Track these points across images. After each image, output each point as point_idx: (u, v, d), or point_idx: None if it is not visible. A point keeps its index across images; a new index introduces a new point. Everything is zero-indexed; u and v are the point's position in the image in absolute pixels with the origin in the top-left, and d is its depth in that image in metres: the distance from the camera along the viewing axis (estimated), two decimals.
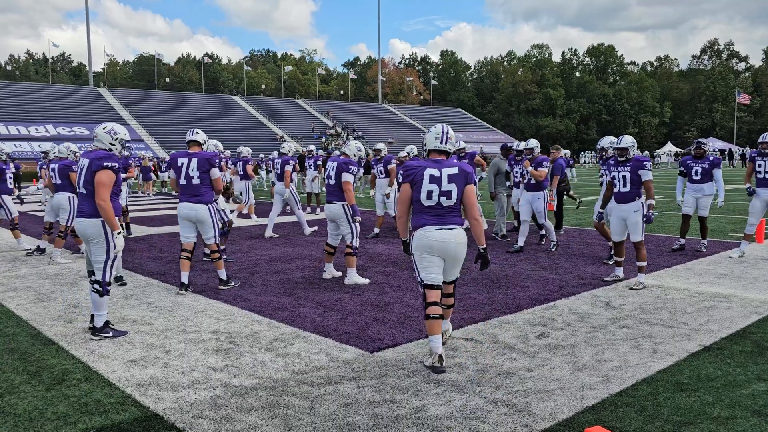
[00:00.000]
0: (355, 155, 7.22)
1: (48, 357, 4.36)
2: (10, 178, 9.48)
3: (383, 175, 11.13)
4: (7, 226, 9.80)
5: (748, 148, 54.27)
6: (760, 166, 7.95)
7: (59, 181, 8.45)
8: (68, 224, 8.46)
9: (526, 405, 3.43)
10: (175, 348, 4.54)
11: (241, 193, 12.84)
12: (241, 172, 12.88)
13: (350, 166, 6.78)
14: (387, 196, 10.78)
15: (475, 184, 4.21)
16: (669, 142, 69.64)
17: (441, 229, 4.10)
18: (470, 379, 3.83)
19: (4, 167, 9.29)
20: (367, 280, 6.74)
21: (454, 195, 4.09)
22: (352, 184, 6.77)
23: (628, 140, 6.50)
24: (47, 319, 5.39)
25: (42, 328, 5.11)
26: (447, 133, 4.25)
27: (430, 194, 4.10)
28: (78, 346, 4.61)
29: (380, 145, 11.70)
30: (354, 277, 6.69)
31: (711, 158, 8.53)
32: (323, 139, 57.10)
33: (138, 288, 6.65)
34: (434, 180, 4.09)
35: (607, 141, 8.36)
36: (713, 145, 54.67)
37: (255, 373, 3.98)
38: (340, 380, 3.84)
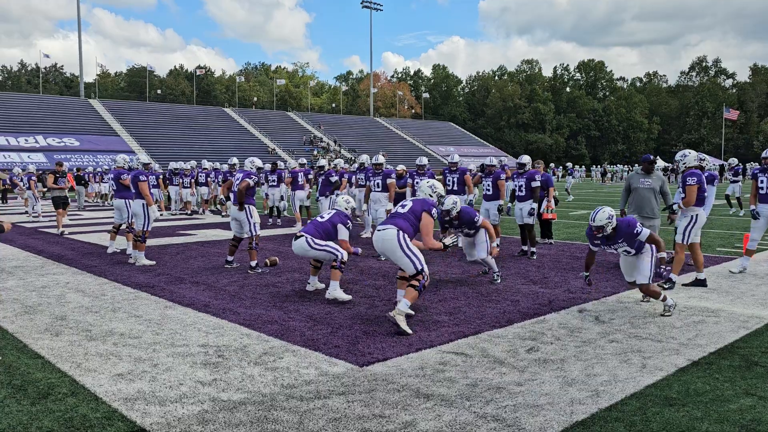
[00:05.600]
0: (346, 209, 7.03)
1: (34, 371, 4.31)
2: (154, 185, 10.52)
3: (379, 189, 10.83)
4: (132, 232, 9.63)
5: (747, 164, 54.73)
6: (762, 182, 7.89)
7: (134, 190, 9.43)
8: (144, 228, 9.27)
9: (516, 420, 3.42)
10: (163, 362, 4.50)
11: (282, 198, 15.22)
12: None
13: (347, 220, 6.89)
14: (387, 212, 10.29)
15: (430, 213, 5.52)
16: (658, 157, 70.37)
17: (378, 230, 5.48)
18: (460, 394, 3.82)
19: (141, 176, 9.32)
20: (349, 297, 6.47)
21: (408, 207, 5.54)
22: (347, 240, 6.86)
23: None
24: (33, 332, 5.33)
25: (28, 341, 5.05)
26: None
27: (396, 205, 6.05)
28: (64, 359, 4.55)
29: (381, 158, 11.37)
30: (335, 292, 6.43)
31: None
32: (315, 152, 57.17)
33: (126, 301, 6.59)
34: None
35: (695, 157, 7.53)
36: (711, 161, 55.24)
37: (243, 388, 3.96)
38: (329, 395, 3.82)
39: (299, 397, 3.79)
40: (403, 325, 5.11)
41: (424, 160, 11.78)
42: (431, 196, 5.69)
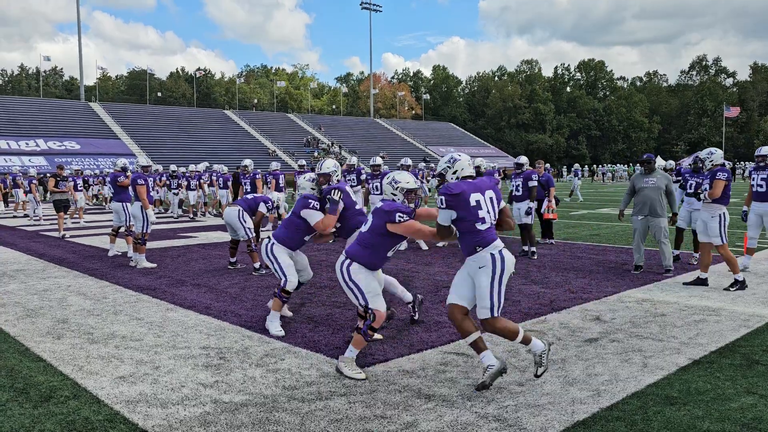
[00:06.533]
0: (312, 189, 5.75)
1: (35, 374, 4.32)
2: (152, 189, 10.91)
3: (378, 192, 10.82)
4: (132, 235, 9.59)
5: (747, 163, 54.60)
6: (753, 179, 8.03)
7: (131, 193, 9.57)
8: (144, 231, 9.30)
9: (517, 420, 3.43)
10: (165, 364, 4.50)
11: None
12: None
13: (310, 200, 5.62)
14: None
15: (395, 222, 4.26)
16: (659, 156, 70.33)
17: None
18: (461, 394, 3.83)
19: (139, 179, 9.31)
20: (282, 333, 5.27)
21: (369, 224, 4.47)
22: (322, 218, 5.54)
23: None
24: (35, 335, 5.34)
25: (30, 344, 5.06)
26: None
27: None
28: (66, 362, 4.56)
29: (379, 160, 11.59)
30: (269, 323, 5.38)
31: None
32: (315, 154, 57.21)
33: (128, 303, 6.60)
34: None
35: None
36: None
37: (245, 389, 3.96)
38: (330, 396, 3.83)
39: (301, 398, 3.80)
40: (349, 372, 4.18)
41: (378, 160, 11.58)
42: (394, 195, 4.45)
